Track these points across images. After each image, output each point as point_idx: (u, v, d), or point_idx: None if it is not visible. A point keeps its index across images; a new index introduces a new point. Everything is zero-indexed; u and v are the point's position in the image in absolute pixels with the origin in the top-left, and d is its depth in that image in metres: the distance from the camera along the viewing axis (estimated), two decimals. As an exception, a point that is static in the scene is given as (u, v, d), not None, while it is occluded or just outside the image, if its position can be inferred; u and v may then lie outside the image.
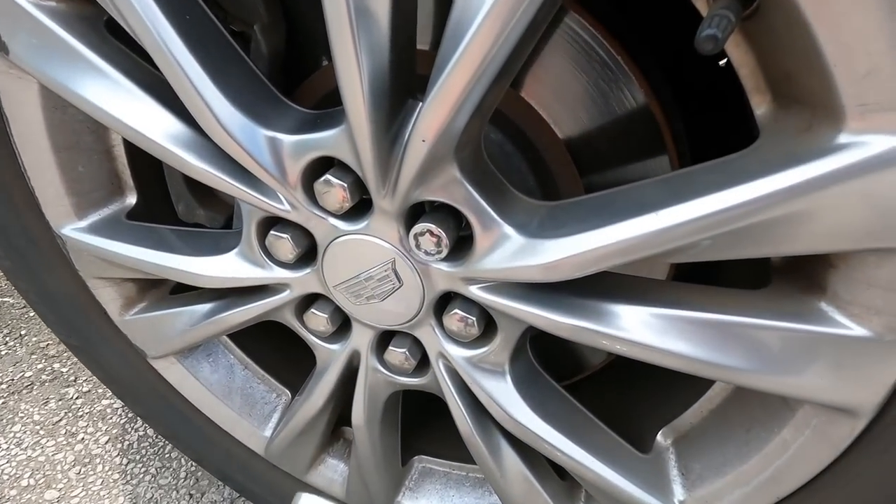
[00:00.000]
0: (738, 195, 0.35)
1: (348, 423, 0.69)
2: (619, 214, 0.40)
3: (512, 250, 0.45)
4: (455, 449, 0.74)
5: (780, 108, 0.37)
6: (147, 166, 0.69)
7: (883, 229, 0.33)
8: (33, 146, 0.62)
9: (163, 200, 0.71)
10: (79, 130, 0.63)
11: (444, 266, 0.49)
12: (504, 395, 0.56)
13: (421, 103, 0.42)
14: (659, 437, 0.60)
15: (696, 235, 0.37)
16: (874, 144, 0.31)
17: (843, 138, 0.32)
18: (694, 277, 0.60)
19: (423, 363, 0.61)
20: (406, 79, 0.44)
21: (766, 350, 0.42)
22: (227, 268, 0.60)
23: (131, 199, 0.69)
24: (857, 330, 0.38)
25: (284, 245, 0.55)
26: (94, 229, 0.67)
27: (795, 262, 0.43)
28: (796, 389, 0.42)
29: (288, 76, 0.61)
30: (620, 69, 0.50)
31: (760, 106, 0.38)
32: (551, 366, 0.66)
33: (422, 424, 0.80)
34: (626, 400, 0.71)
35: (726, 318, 0.43)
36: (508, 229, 0.45)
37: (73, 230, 0.67)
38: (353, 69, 0.40)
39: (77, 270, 0.71)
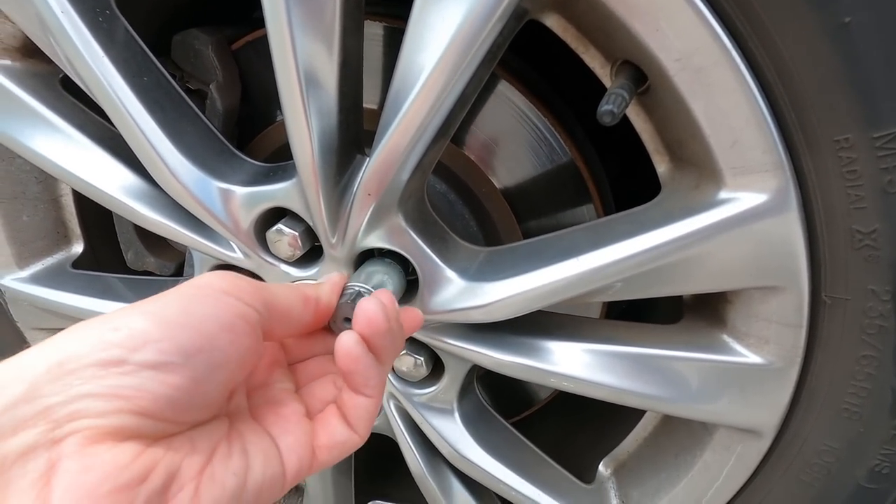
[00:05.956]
0: (644, 242, 0.40)
1: (300, 469, 0.69)
2: (547, 260, 0.44)
3: (454, 293, 0.49)
4: (408, 490, 0.75)
5: (676, 168, 0.43)
6: (95, 215, 0.69)
7: (759, 270, 0.39)
8: (-25, 197, 0.61)
9: (110, 248, 0.71)
10: (25, 181, 0.63)
11: (391, 309, 0.52)
12: (452, 433, 0.59)
13: (368, 158, 0.45)
14: (601, 467, 0.63)
15: (611, 278, 0.42)
16: (745, 200, 0.37)
17: (722, 195, 0.38)
18: (626, 314, 0.66)
19: (374, 404, 0.63)
20: (353, 136, 0.48)
21: (681, 378, 0.46)
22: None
23: (77, 248, 0.69)
24: (752, 358, 0.44)
25: (236, 292, 0.56)
26: (36, 279, 0.66)
27: (701, 299, 0.48)
28: (710, 414, 0.47)
29: (243, 129, 0.64)
30: (548, 129, 0.56)
31: (661, 165, 0.44)
32: (501, 403, 0.69)
33: (376, 468, 0.80)
34: (572, 432, 0.74)
35: (647, 352, 0.48)
36: (450, 273, 0.49)
37: (14, 280, 0.65)
38: (304, 131, 0.44)
39: (14, 321, 0.69)
